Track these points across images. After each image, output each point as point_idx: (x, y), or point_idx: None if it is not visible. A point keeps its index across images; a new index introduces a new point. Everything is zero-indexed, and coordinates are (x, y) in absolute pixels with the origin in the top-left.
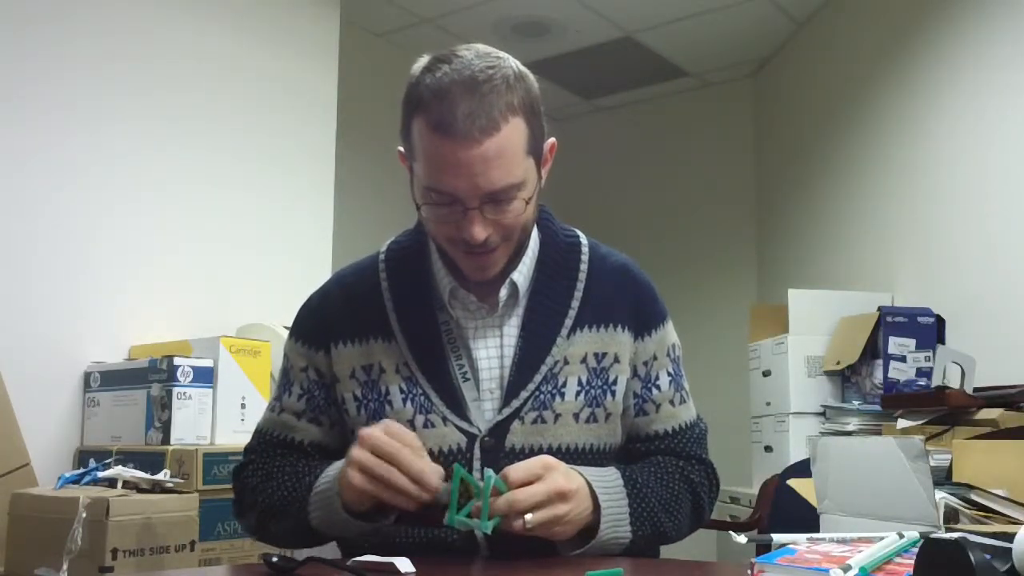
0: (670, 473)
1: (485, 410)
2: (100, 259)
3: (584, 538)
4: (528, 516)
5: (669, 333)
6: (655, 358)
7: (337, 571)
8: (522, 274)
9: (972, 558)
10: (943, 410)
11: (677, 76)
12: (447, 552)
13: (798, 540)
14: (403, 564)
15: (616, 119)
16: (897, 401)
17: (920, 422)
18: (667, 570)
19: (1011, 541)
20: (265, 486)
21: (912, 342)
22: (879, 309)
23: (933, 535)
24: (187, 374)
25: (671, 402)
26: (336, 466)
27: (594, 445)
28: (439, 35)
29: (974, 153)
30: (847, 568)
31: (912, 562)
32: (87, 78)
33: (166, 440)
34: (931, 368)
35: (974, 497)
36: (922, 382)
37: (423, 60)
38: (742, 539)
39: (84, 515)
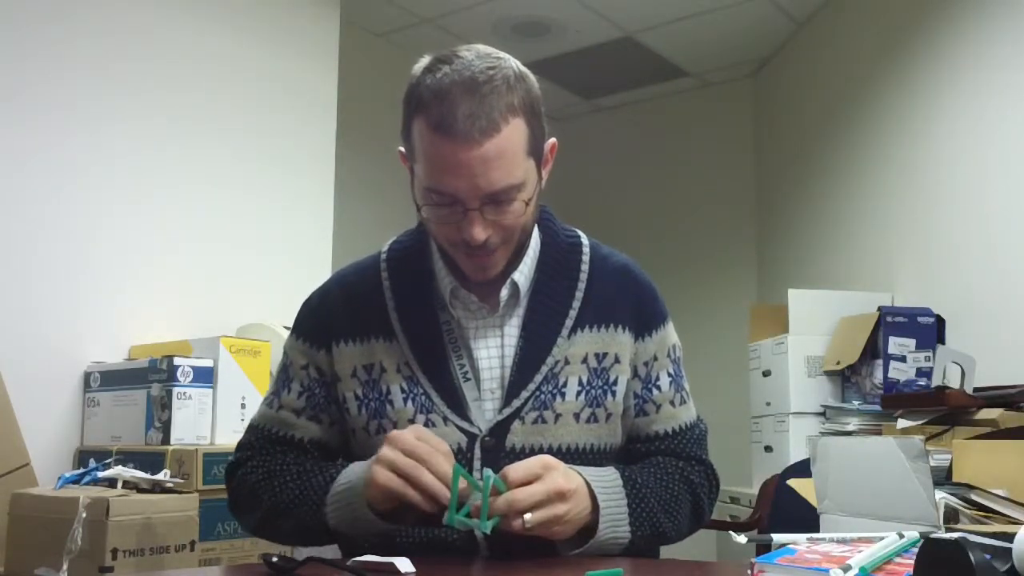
0: (670, 474)
1: (486, 410)
2: (100, 259)
3: (583, 538)
4: (527, 516)
5: (670, 334)
6: (655, 359)
7: (337, 571)
8: (523, 274)
9: (972, 558)
10: (943, 410)
11: (677, 76)
12: (447, 552)
13: (798, 540)
14: (403, 564)
15: (616, 119)
16: (897, 401)
17: (920, 422)
18: (667, 570)
19: (1011, 541)
20: (269, 484)
21: (912, 342)
22: (879, 309)
23: (933, 535)
24: (187, 374)
25: (671, 403)
26: (358, 467)
27: (594, 445)
28: (439, 35)
29: (974, 153)
30: (847, 568)
31: (912, 562)
32: (87, 78)
33: (166, 440)
34: (931, 368)
35: (974, 497)
36: (922, 382)
37: (424, 60)
38: (742, 539)
39: (84, 515)
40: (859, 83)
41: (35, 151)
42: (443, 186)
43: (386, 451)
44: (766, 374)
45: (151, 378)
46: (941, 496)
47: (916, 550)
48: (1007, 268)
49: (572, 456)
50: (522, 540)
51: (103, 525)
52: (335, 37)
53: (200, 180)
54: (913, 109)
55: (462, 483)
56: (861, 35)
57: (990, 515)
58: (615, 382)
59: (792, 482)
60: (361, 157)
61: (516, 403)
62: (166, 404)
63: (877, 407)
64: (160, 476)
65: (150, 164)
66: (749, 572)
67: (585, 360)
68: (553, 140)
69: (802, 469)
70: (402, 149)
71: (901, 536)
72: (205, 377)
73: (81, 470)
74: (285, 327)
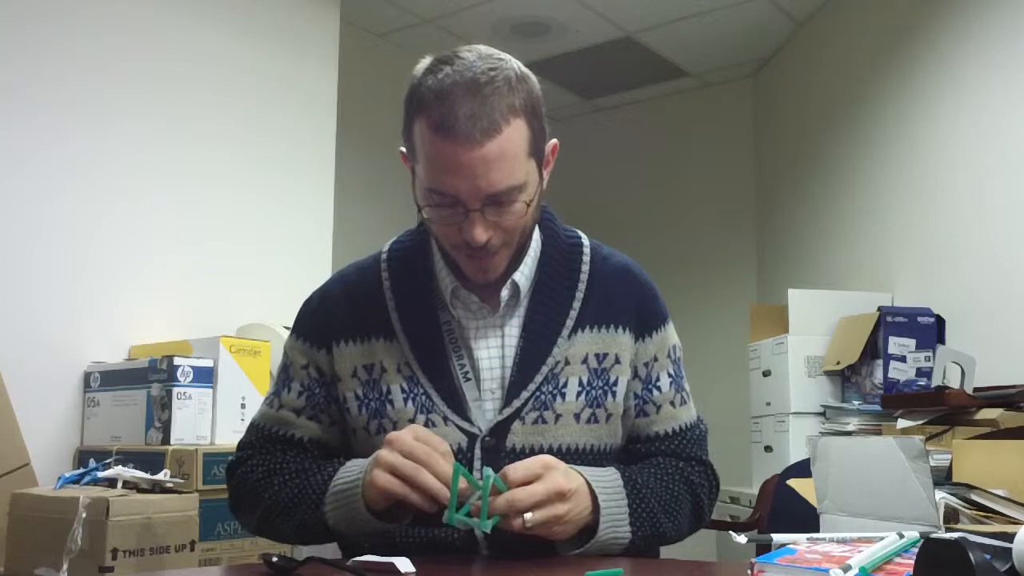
0: (670, 474)
1: (486, 410)
2: (100, 259)
3: (584, 538)
4: (528, 515)
5: (670, 334)
6: (656, 359)
7: (337, 571)
8: (524, 274)
9: (972, 558)
10: (943, 410)
11: (677, 76)
12: (447, 552)
13: (798, 540)
14: (403, 564)
15: (616, 119)
16: (897, 401)
17: (920, 422)
18: (667, 570)
19: (1011, 541)
20: (268, 482)
21: (912, 342)
22: (879, 309)
23: (933, 535)
24: (187, 374)
25: (672, 403)
26: (356, 466)
27: (594, 446)
28: (439, 35)
29: (974, 153)
30: (847, 568)
31: (912, 562)
32: (87, 78)
33: (166, 440)
34: (931, 368)
35: (974, 497)
36: (922, 382)
37: (425, 61)
38: (742, 539)
39: (84, 515)
40: (859, 83)
41: (35, 151)
42: (444, 187)
43: (385, 454)
44: (766, 374)
45: (151, 378)
46: (941, 496)
47: (916, 550)
48: (1007, 268)
49: (572, 456)
50: (522, 540)
51: (103, 525)
52: (335, 37)
53: (200, 180)
54: (913, 109)
55: (462, 482)
56: (861, 35)
57: (990, 515)
58: (615, 383)
59: (792, 482)
60: (361, 157)
61: (516, 403)
62: (166, 404)
63: (877, 407)
64: (160, 476)
65: (150, 164)
66: (749, 572)
67: (585, 360)
68: (554, 141)
69: (802, 469)
70: (403, 149)
71: (901, 536)
72: (205, 377)
73: (81, 470)
74: (285, 327)
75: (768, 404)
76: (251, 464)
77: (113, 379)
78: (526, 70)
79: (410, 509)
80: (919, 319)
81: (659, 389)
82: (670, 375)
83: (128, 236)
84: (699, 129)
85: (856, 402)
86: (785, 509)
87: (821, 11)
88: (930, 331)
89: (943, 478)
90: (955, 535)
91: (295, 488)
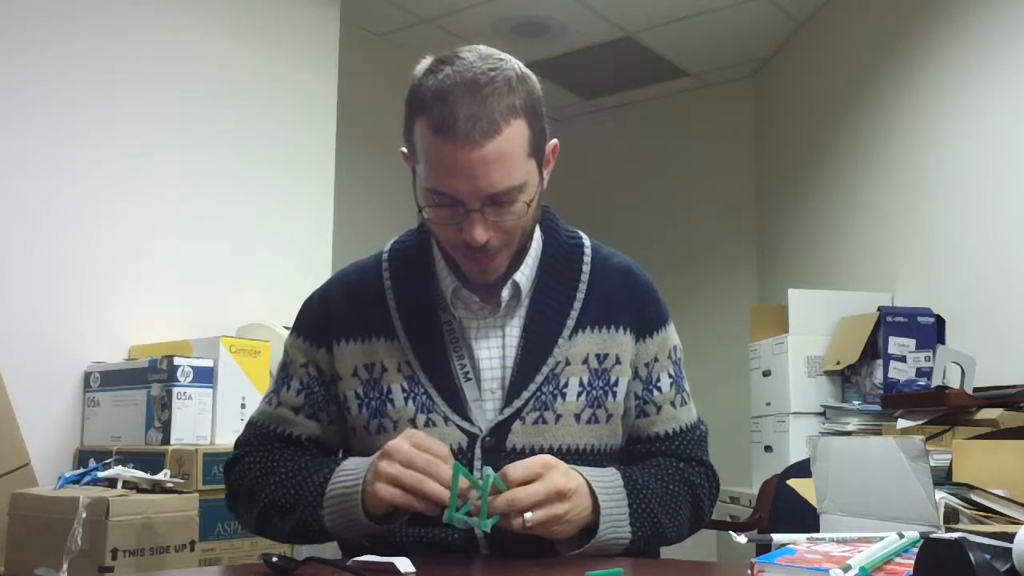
0: (670, 474)
1: (486, 410)
2: (100, 259)
3: (584, 538)
4: (527, 515)
5: (671, 335)
6: (656, 360)
7: (337, 571)
8: (524, 275)
9: (972, 558)
10: (943, 410)
11: (677, 76)
12: (447, 552)
13: (798, 540)
14: (403, 564)
15: (616, 119)
16: (897, 401)
17: (920, 422)
18: (667, 570)
19: (1011, 541)
20: (266, 481)
21: (912, 342)
22: (879, 309)
23: (933, 535)
24: (187, 374)
25: (672, 404)
26: (353, 469)
27: (595, 446)
28: (439, 35)
29: (974, 153)
30: (847, 568)
31: (912, 562)
32: (87, 78)
33: (166, 440)
34: (931, 368)
35: (974, 497)
36: (922, 382)
37: (425, 61)
38: (742, 539)
39: (84, 515)
40: (859, 83)
41: (35, 151)
42: (444, 187)
43: (385, 466)
44: (766, 374)
45: (151, 378)
46: (941, 496)
47: (916, 550)
48: (1007, 268)
49: (572, 457)
50: (522, 540)
51: (103, 525)
52: (335, 37)
53: (200, 180)
54: (913, 109)
55: (462, 482)
56: (861, 35)
57: (990, 515)
58: (616, 383)
59: (792, 482)
60: (361, 157)
61: (517, 403)
62: (166, 404)
63: (877, 407)
64: (160, 476)
65: (150, 164)
66: (749, 572)
67: (586, 361)
68: (555, 141)
69: (802, 469)
70: (404, 150)
71: (901, 536)
72: (205, 377)
73: (81, 470)
74: (285, 327)
75: (768, 404)
76: (248, 462)
77: (113, 379)
78: (526, 70)
79: (409, 509)
80: (919, 319)
81: (659, 390)
82: (670, 375)
83: (128, 236)
84: (699, 129)
85: (856, 402)
86: (785, 509)
87: (821, 11)
88: (930, 331)
89: (943, 478)
90: (955, 535)
91: (293, 488)
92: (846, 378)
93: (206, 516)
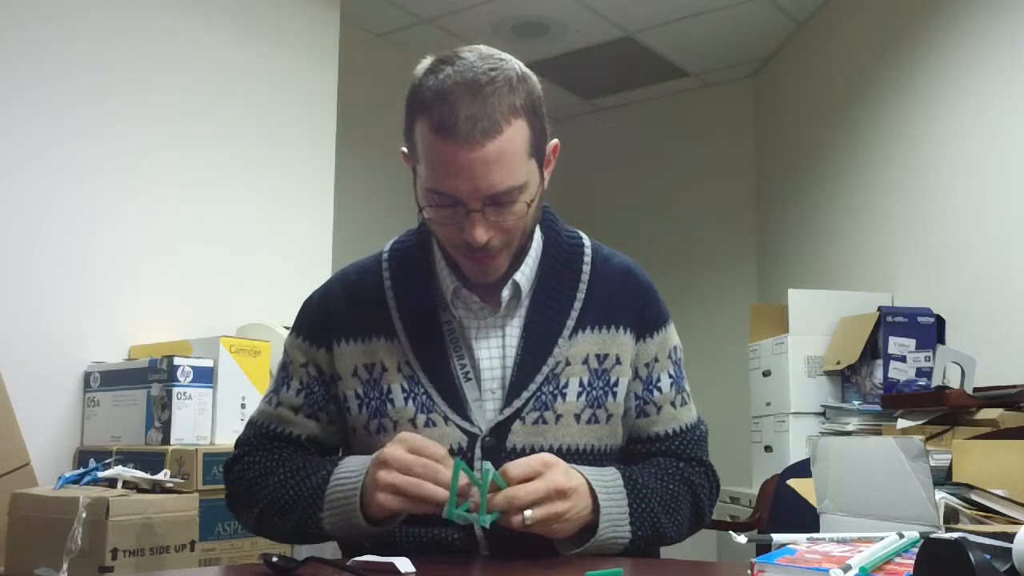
0: (670, 474)
1: (486, 410)
2: (100, 259)
3: (583, 537)
4: (527, 512)
5: (671, 335)
6: (656, 360)
7: (337, 571)
8: (524, 275)
9: (972, 558)
10: (943, 410)
11: (677, 76)
12: (447, 552)
13: (798, 540)
14: (403, 564)
15: (616, 119)
16: (897, 401)
17: (920, 422)
18: (667, 570)
19: (1011, 541)
20: (265, 481)
21: (912, 342)
22: (879, 309)
23: (933, 535)
24: (187, 374)
25: (672, 404)
26: (352, 471)
27: (595, 446)
28: (439, 35)
29: (974, 153)
30: (847, 568)
31: (912, 562)
32: (87, 78)
33: (166, 440)
34: (931, 368)
35: (974, 497)
36: (922, 382)
37: (426, 61)
38: (742, 539)
39: (84, 515)
40: (859, 83)
41: (35, 151)
42: (445, 187)
43: (384, 475)
44: (766, 374)
45: (151, 378)
46: (941, 496)
47: (916, 550)
48: (1007, 268)
49: (573, 457)
50: (521, 538)
51: (103, 525)
52: (335, 37)
53: (200, 180)
54: (913, 109)
55: (463, 479)
56: (861, 35)
57: (990, 515)
58: (616, 383)
59: (792, 482)
60: (361, 157)
61: (517, 403)
62: (166, 404)
63: (877, 407)
64: (160, 476)
65: (150, 164)
66: (749, 572)
67: (586, 361)
68: (555, 141)
69: (802, 469)
70: (404, 149)
71: (901, 536)
72: (205, 377)
73: (81, 470)
74: (285, 327)
75: (768, 404)
76: (248, 461)
77: (113, 379)
78: (527, 70)
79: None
80: (919, 319)
81: (660, 390)
82: (671, 376)
83: (128, 236)
84: (699, 129)
85: (856, 402)
86: (785, 509)
87: (821, 11)
88: (930, 331)
89: (943, 478)
90: (955, 535)
91: (292, 488)
92: (846, 378)
93: (206, 516)
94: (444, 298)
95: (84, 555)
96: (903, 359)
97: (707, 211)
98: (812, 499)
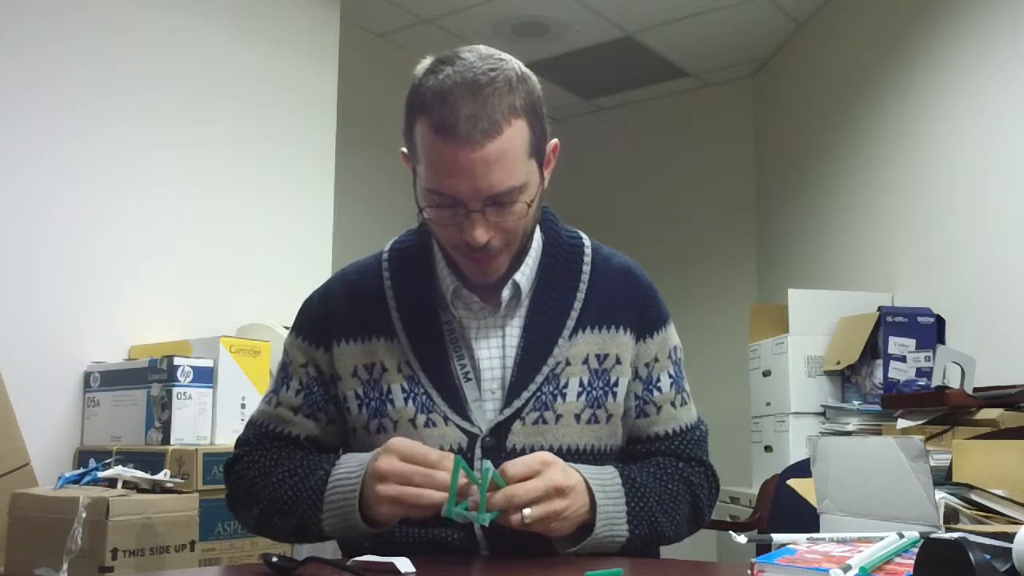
0: (669, 474)
1: (486, 410)
2: (100, 259)
3: (580, 535)
4: (526, 511)
5: (671, 335)
6: (656, 360)
7: (337, 571)
8: (524, 275)
9: (972, 558)
10: (943, 410)
11: (677, 76)
12: (447, 552)
13: (798, 540)
14: (403, 564)
15: (616, 119)
16: (897, 401)
17: (920, 422)
18: (667, 570)
19: (1011, 541)
20: (265, 481)
21: (912, 342)
22: (879, 309)
23: (933, 535)
24: (187, 374)
25: (672, 404)
26: (348, 472)
27: (595, 446)
28: (439, 35)
29: (974, 153)
30: (847, 568)
31: (912, 562)
32: (87, 78)
33: (166, 440)
34: (931, 368)
35: (974, 497)
36: (922, 382)
37: (426, 62)
38: (742, 539)
39: (84, 515)
40: (859, 83)
41: (35, 151)
42: (445, 188)
43: (383, 489)
44: (766, 374)
45: (151, 378)
46: (941, 496)
47: (916, 550)
48: (1007, 268)
49: (572, 457)
50: (522, 539)
51: (103, 525)
52: (335, 37)
53: (200, 180)
54: (913, 109)
55: (462, 478)
56: (861, 35)
57: (990, 515)
58: (616, 383)
59: (792, 482)
60: (361, 157)
61: (517, 404)
62: (166, 404)
63: (877, 407)
64: (160, 476)
65: (150, 164)
66: (749, 572)
67: (586, 361)
68: (555, 141)
69: (802, 469)
70: (404, 150)
71: (901, 536)
72: (205, 377)
73: (81, 470)
74: (285, 327)
75: (768, 404)
76: (248, 461)
77: (113, 379)
78: (526, 70)
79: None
80: (919, 319)
81: (659, 390)
82: (671, 376)
83: (128, 236)
84: (699, 129)
85: (856, 402)
86: (785, 509)
87: (821, 11)
88: (930, 331)
89: (943, 478)
90: (955, 535)
91: (291, 489)
92: (846, 378)
93: (206, 516)
94: (444, 298)
95: (84, 555)
96: (903, 359)
97: (707, 211)
98: (812, 499)
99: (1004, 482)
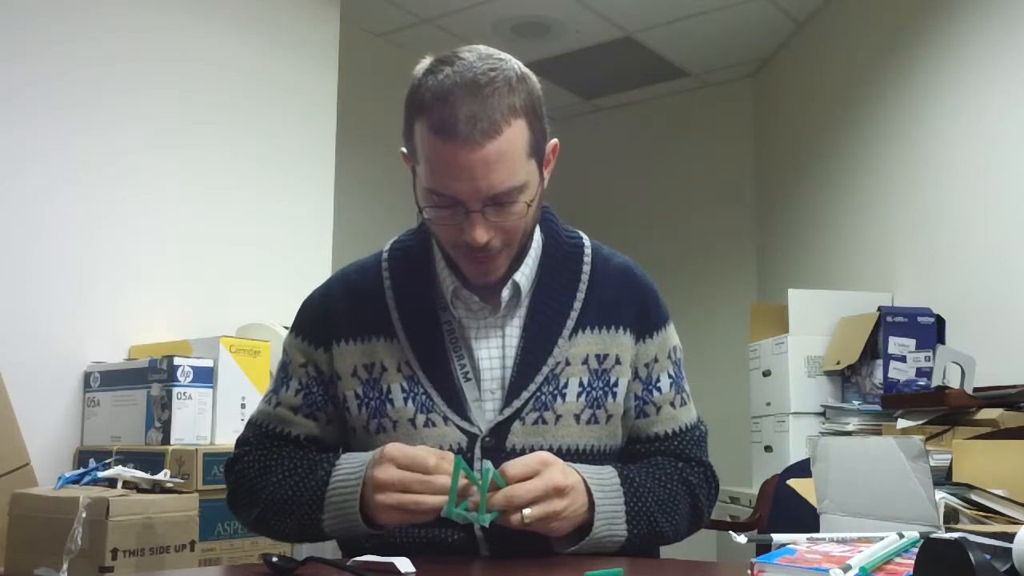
0: (668, 474)
1: (486, 410)
2: (100, 259)
3: (579, 535)
4: (526, 511)
5: (671, 335)
6: (656, 360)
7: (337, 571)
8: (524, 275)
9: (972, 558)
10: (943, 410)
11: (677, 76)
12: (447, 552)
13: (798, 540)
14: (403, 564)
15: (616, 119)
16: (897, 401)
17: (920, 422)
18: (667, 570)
19: (1011, 541)
20: (265, 481)
21: (912, 342)
22: (879, 309)
23: (933, 535)
24: (187, 374)
25: (672, 404)
26: (347, 473)
27: (595, 446)
28: (439, 35)
29: (974, 153)
30: (847, 568)
31: (912, 562)
32: (87, 78)
33: (166, 440)
34: (931, 368)
35: (974, 497)
36: (922, 382)
37: (425, 62)
38: (742, 539)
39: (84, 515)
40: (859, 83)
41: (35, 151)
42: (444, 188)
43: (384, 499)
44: (766, 374)
45: (151, 378)
46: (941, 496)
47: (916, 550)
48: (1007, 268)
49: (572, 457)
50: (521, 540)
51: (103, 525)
52: (335, 37)
53: (200, 180)
54: (913, 109)
55: (462, 479)
56: (861, 35)
57: (990, 515)
58: (615, 383)
59: (792, 482)
60: (361, 157)
61: (516, 404)
62: (166, 404)
63: (877, 407)
64: (160, 476)
65: (150, 164)
66: (749, 572)
67: (586, 361)
68: (555, 141)
69: (802, 469)
70: (404, 150)
71: (901, 536)
72: (205, 377)
73: (81, 470)
74: (285, 327)
75: (768, 404)
76: (248, 461)
77: (113, 379)
78: (526, 70)
79: None
80: (919, 319)
81: (659, 390)
82: (670, 376)
83: (128, 236)
84: (699, 129)
85: (856, 402)
86: (785, 509)
87: (821, 11)
88: (930, 331)
89: (943, 478)
90: (955, 535)
91: (291, 489)
92: (846, 378)
93: (206, 516)
94: (444, 298)
95: (84, 555)
96: (903, 359)
97: (707, 211)
98: (812, 499)
99: (1004, 482)
